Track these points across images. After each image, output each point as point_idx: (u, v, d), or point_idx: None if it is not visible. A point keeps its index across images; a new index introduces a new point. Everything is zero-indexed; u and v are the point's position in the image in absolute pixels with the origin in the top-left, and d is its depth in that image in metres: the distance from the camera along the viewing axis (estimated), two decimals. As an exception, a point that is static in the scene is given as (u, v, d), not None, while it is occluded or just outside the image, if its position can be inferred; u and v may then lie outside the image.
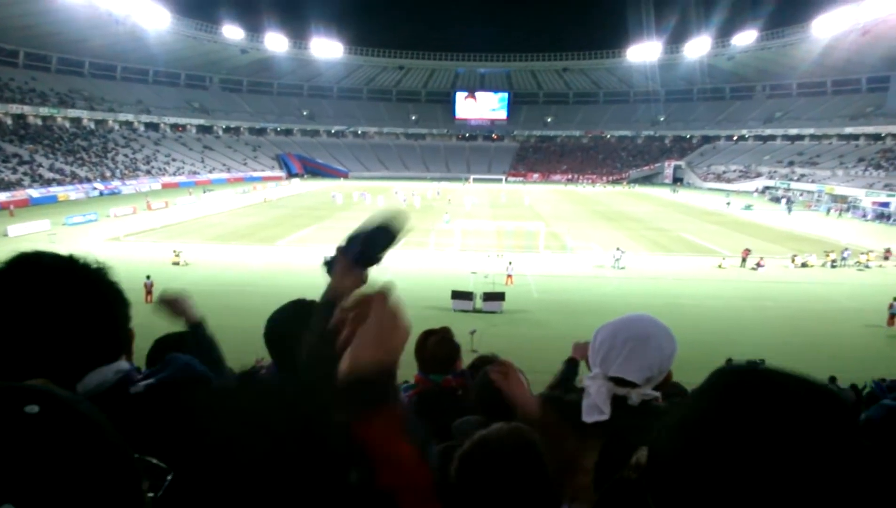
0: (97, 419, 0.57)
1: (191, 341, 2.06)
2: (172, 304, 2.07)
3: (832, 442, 0.49)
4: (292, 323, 1.73)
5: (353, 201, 49.68)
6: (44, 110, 62.75)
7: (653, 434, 0.59)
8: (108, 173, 57.87)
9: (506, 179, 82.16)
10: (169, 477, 0.87)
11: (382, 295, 0.83)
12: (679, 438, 0.54)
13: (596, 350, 1.56)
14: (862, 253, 28.75)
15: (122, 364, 1.00)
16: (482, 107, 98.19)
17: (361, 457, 0.73)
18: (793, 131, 76.16)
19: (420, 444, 0.75)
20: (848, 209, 49.43)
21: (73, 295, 0.94)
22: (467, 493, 1.11)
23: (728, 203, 52.23)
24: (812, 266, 27.35)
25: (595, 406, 1.45)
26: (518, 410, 1.56)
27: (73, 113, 66.02)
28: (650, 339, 1.52)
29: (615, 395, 1.47)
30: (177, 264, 25.07)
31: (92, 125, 68.14)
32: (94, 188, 52.75)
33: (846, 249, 29.25)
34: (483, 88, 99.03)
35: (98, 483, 0.51)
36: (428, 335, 2.68)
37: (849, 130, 68.94)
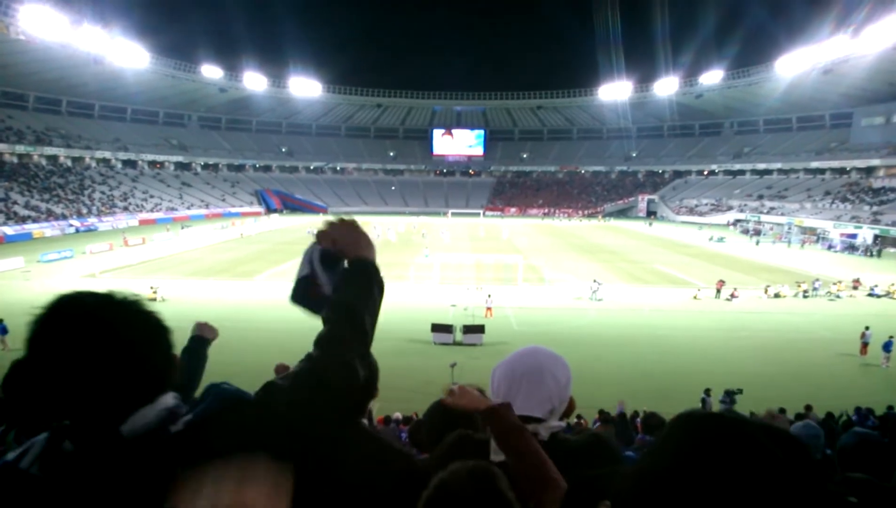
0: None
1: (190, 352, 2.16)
2: (204, 327, 2.25)
3: (796, 490, 0.49)
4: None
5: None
6: (20, 148, 62.07)
7: (616, 485, 0.58)
8: (84, 210, 57.07)
9: (483, 214, 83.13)
10: None
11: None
12: (643, 491, 0.54)
13: (495, 391, 1.54)
14: (833, 283, 29.49)
15: (167, 400, 0.98)
16: (459, 143, 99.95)
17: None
18: (761, 166, 78.36)
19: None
20: (817, 241, 50.86)
21: (117, 335, 0.92)
22: None
23: (711, 238, 53.08)
24: (784, 297, 27.86)
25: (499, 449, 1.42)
26: (477, 415, 1.48)
27: (49, 151, 65.39)
28: (543, 371, 1.51)
29: None
30: (154, 299, 24.59)
31: (69, 163, 67.52)
32: (70, 225, 52.00)
33: (817, 279, 29.90)
34: (460, 125, 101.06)
35: None
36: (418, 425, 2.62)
37: (815, 164, 71.00)
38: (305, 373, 1.08)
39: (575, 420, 10.46)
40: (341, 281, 1.29)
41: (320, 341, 1.16)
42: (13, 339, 17.40)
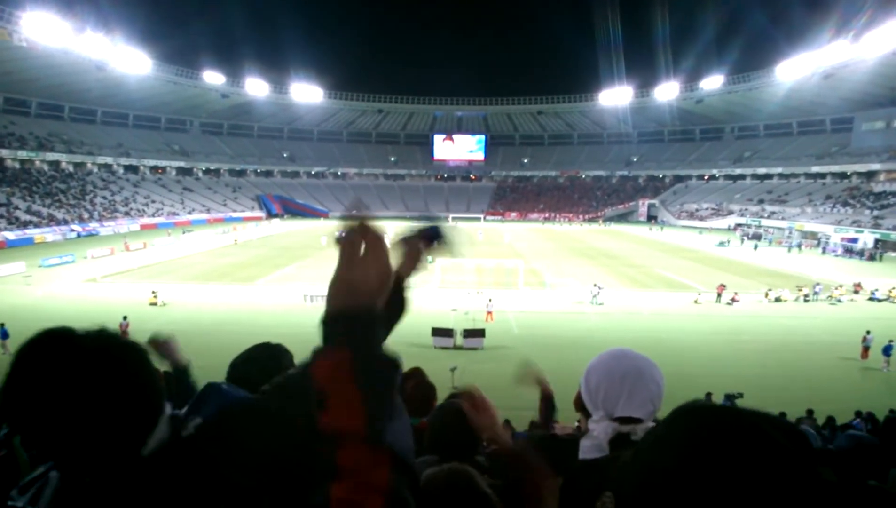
0: None
1: (173, 384, 2.08)
2: (161, 346, 2.12)
3: (798, 481, 0.48)
4: (255, 367, 1.81)
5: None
6: (22, 154, 62.38)
7: (618, 474, 0.58)
8: (85, 215, 57.24)
9: (484, 218, 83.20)
10: None
11: (380, 229, 0.83)
12: (647, 485, 0.53)
13: (593, 393, 1.54)
14: (834, 287, 29.43)
15: (167, 411, 0.98)
16: (460, 148, 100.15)
17: (312, 391, 0.74)
18: (762, 171, 78.36)
19: (370, 395, 0.75)
20: (818, 245, 50.82)
21: (111, 373, 0.89)
22: None
23: (722, 243, 52.55)
24: (785, 301, 27.79)
25: (597, 447, 1.46)
26: (490, 443, 1.47)
27: (51, 156, 65.71)
28: (644, 373, 1.52)
29: (618, 433, 1.47)
30: (154, 304, 24.68)
31: (71, 168, 67.74)
32: (72, 230, 52.13)
33: (818, 283, 29.77)
34: (460, 130, 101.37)
35: None
36: (404, 379, 2.70)
37: (815, 168, 71.03)
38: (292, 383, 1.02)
39: (575, 424, 10.42)
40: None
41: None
42: (14, 344, 17.41)
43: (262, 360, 1.86)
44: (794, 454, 0.49)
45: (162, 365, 2.06)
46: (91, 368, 0.87)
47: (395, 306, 1.16)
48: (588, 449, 1.46)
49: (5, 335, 17.94)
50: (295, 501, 0.82)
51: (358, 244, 0.82)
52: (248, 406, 1.02)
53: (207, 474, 0.87)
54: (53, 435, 0.83)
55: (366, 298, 0.79)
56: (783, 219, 61.87)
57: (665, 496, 0.50)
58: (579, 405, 1.62)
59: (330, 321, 0.77)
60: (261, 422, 0.89)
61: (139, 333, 1.99)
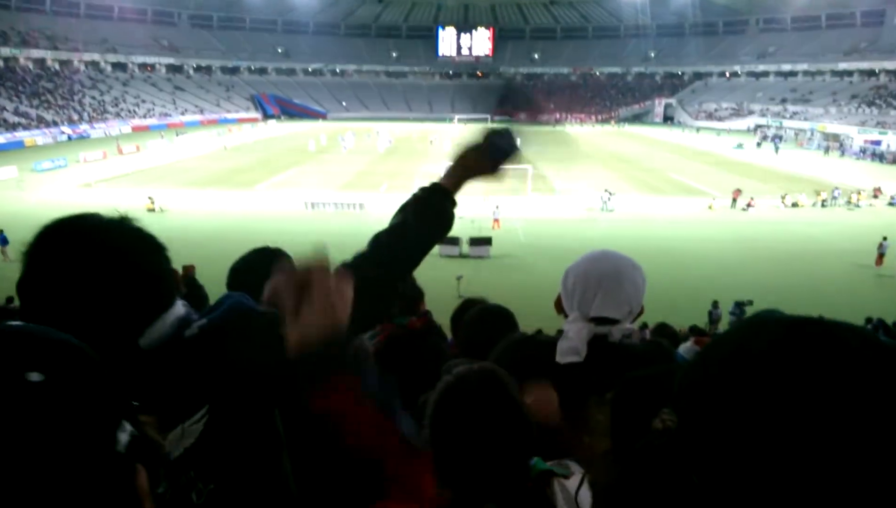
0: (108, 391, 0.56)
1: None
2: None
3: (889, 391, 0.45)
4: (256, 271, 1.69)
5: (337, 144, 47.54)
6: (5, 51, 59.72)
7: (677, 394, 0.54)
8: (75, 117, 55.56)
9: (492, 119, 79.54)
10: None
11: (322, 264, 0.83)
12: (715, 399, 0.50)
13: (569, 293, 1.56)
14: (853, 193, 28.45)
15: (178, 309, 1.01)
16: (466, 43, 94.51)
17: (325, 427, 0.75)
18: (786, 67, 75.04)
19: (382, 403, 0.80)
20: (840, 147, 48.95)
21: (116, 255, 0.93)
22: (443, 437, 1.11)
23: (739, 144, 50.89)
24: (802, 206, 27.21)
25: (573, 349, 1.46)
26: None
27: (36, 53, 63.01)
28: (623, 273, 1.52)
29: (594, 335, 1.47)
30: (152, 210, 23.99)
31: (56, 66, 64.98)
32: (62, 133, 50.72)
33: (836, 188, 28.93)
34: (467, 22, 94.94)
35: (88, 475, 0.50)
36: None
37: (843, 65, 68.07)
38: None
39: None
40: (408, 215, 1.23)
41: (363, 259, 1.17)
42: (14, 250, 16.98)
43: (263, 266, 1.58)
44: (885, 366, 0.46)
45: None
46: (105, 248, 0.92)
47: (441, 222, 1.25)
48: (564, 352, 1.47)
49: (5, 242, 17.70)
50: (272, 412, 0.89)
51: (299, 292, 0.79)
52: (252, 315, 1.04)
53: (198, 373, 0.92)
54: (60, 309, 0.86)
55: (318, 338, 0.78)
56: (805, 120, 59.45)
57: (739, 411, 0.47)
58: (559, 306, 1.63)
59: (300, 363, 0.77)
60: (261, 331, 0.92)
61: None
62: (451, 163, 1.32)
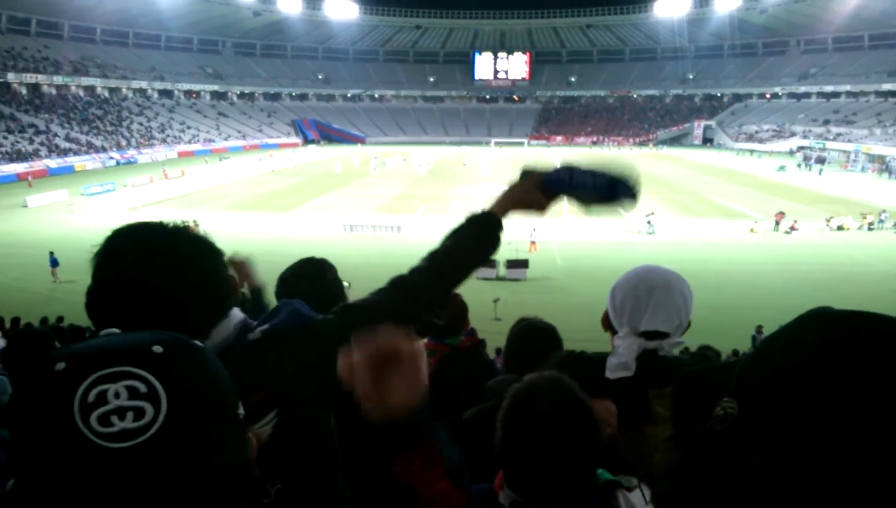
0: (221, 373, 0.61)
1: (250, 305, 2.16)
2: (240, 266, 2.19)
3: None
4: (302, 282, 1.97)
5: (369, 169, 48.35)
6: (58, 79, 62.34)
7: (738, 384, 0.56)
8: (123, 142, 57.75)
9: (528, 143, 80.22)
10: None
11: (407, 338, 0.78)
12: (777, 387, 0.51)
13: (618, 308, 1.54)
14: (902, 216, 27.34)
15: (237, 314, 1.04)
16: (502, 67, 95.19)
17: (404, 495, 0.75)
18: (828, 88, 73.13)
19: (455, 470, 0.79)
20: (886, 169, 47.17)
21: (186, 259, 0.97)
22: (515, 443, 1.09)
23: (781, 167, 49.69)
24: (848, 229, 26.35)
25: (623, 364, 1.47)
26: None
27: (86, 81, 65.70)
28: (672, 285, 1.51)
29: (644, 350, 1.47)
30: (195, 233, 24.73)
31: (106, 93, 67.92)
32: (111, 158, 52.77)
33: (884, 211, 27.93)
34: (503, 47, 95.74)
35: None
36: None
37: (887, 86, 66.15)
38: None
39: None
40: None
41: (398, 283, 1.23)
42: (64, 272, 17.68)
43: (309, 275, 2.02)
44: None
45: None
46: (177, 252, 0.95)
47: (489, 247, 1.30)
48: (614, 367, 1.48)
49: (55, 264, 18.17)
50: (328, 420, 0.95)
51: (382, 368, 0.76)
52: (311, 322, 1.09)
53: (260, 375, 0.95)
54: (133, 311, 0.89)
55: (405, 411, 0.76)
56: (849, 141, 57.56)
57: (799, 399, 0.49)
58: (607, 323, 1.62)
59: (384, 432, 0.76)
60: (320, 337, 0.97)
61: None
62: (504, 189, 1.37)
